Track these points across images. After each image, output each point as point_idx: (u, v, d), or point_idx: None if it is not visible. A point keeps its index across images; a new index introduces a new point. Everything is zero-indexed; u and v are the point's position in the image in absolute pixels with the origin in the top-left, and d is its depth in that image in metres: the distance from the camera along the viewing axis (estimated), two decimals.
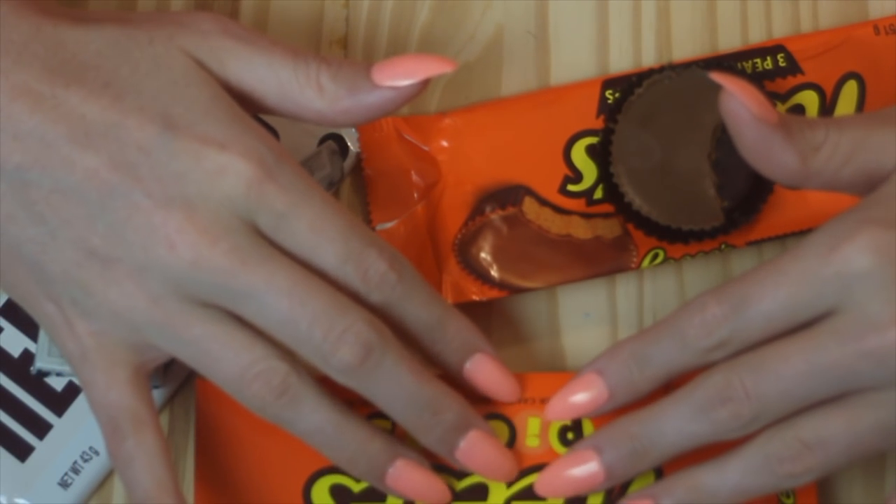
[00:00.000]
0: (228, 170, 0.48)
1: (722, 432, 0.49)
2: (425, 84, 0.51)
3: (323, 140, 0.58)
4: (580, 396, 0.52)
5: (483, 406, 0.55)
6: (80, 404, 0.56)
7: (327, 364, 0.49)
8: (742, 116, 0.49)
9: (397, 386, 0.50)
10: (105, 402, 0.50)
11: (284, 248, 0.49)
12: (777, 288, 0.48)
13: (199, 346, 0.49)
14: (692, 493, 0.50)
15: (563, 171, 0.58)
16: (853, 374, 0.48)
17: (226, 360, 0.49)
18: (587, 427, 0.54)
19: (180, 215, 0.48)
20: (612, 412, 0.52)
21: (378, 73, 0.51)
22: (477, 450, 0.52)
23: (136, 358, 0.50)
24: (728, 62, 0.57)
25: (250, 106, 0.51)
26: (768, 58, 0.58)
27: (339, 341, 0.49)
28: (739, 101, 0.49)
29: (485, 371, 0.53)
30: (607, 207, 0.57)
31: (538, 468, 0.54)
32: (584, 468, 0.51)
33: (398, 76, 0.51)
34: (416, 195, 0.58)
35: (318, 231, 0.49)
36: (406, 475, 0.52)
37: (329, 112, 0.51)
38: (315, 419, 0.50)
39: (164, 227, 0.48)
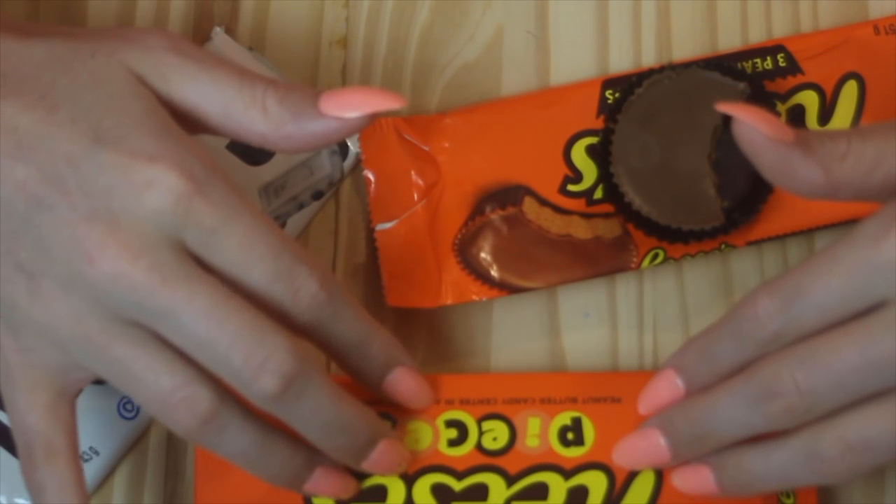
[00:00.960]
0: (156, 183, 0.47)
1: (775, 423, 0.50)
2: (372, 118, 0.50)
3: None
4: (662, 392, 0.53)
5: (484, 406, 0.55)
6: (80, 405, 0.56)
7: (247, 391, 0.48)
8: (757, 141, 0.49)
9: (316, 413, 0.50)
10: (22, 426, 0.49)
11: (213, 266, 0.48)
12: (830, 276, 0.48)
13: (120, 366, 0.48)
14: (741, 473, 0.51)
15: (563, 171, 0.58)
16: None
17: (147, 383, 0.48)
18: (587, 427, 0.54)
19: (103, 229, 0.47)
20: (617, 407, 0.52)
21: (325, 102, 0.50)
22: (381, 460, 0.52)
23: (61, 380, 0.49)
24: (728, 62, 0.57)
25: (193, 124, 0.51)
26: (768, 58, 0.58)
27: (259, 369, 0.48)
28: (751, 127, 0.48)
29: (402, 384, 0.53)
30: (607, 207, 0.57)
31: (538, 468, 0.54)
32: (652, 444, 0.52)
33: (345, 107, 0.50)
34: (416, 195, 0.58)
35: (248, 248, 0.48)
36: (323, 481, 0.52)
37: (272, 135, 0.50)
38: (239, 443, 0.49)
39: (86, 242, 0.47)
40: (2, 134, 0.48)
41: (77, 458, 0.50)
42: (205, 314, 0.47)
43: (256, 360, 0.48)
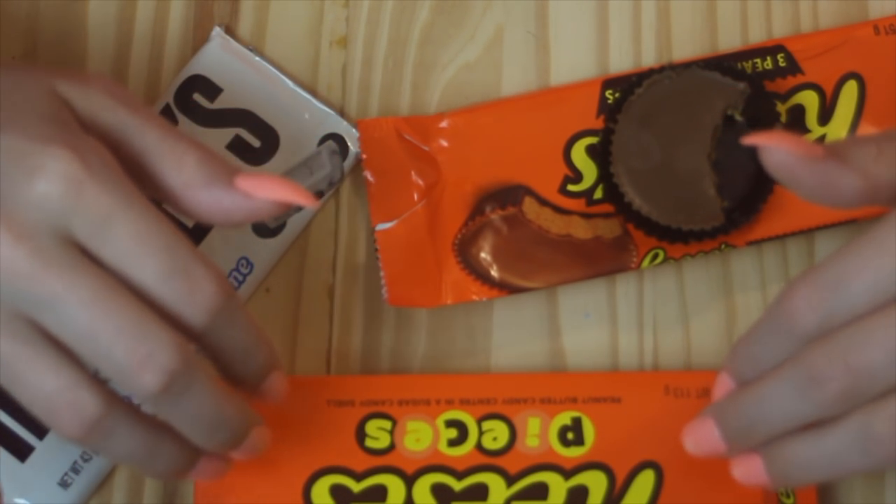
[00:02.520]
0: (48, 167, 0.46)
1: (828, 410, 0.48)
2: (283, 207, 0.50)
3: (323, 140, 0.59)
4: (717, 394, 0.52)
5: (484, 406, 0.55)
6: None
7: (129, 387, 0.47)
8: (791, 164, 0.48)
9: (198, 411, 0.48)
10: None
11: (101, 259, 0.47)
12: (879, 258, 0.47)
13: (4, 361, 0.46)
14: (790, 462, 0.50)
15: (563, 171, 0.58)
16: None
17: (31, 383, 0.46)
18: (587, 427, 0.54)
19: None
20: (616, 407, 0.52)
21: (241, 178, 0.49)
22: (252, 447, 0.50)
23: None
24: (728, 62, 0.57)
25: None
26: (768, 58, 0.58)
27: (142, 367, 0.46)
28: (782, 152, 0.48)
29: (278, 390, 0.51)
30: (607, 207, 0.57)
31: (538, 468, 0.54)
32: (709, 434, 0.51)
33: (257, 188, 0.49)
34: (416, 195, 0.58)
35: (141, 241, 0.46)
36: (206, 469, 0.50)
37: (180, 192, 0.49)
38: (126, 446, 0.48)
39: None
40: None
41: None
42: (87, 304, 0.45)
43: (140, 355, 0.46)
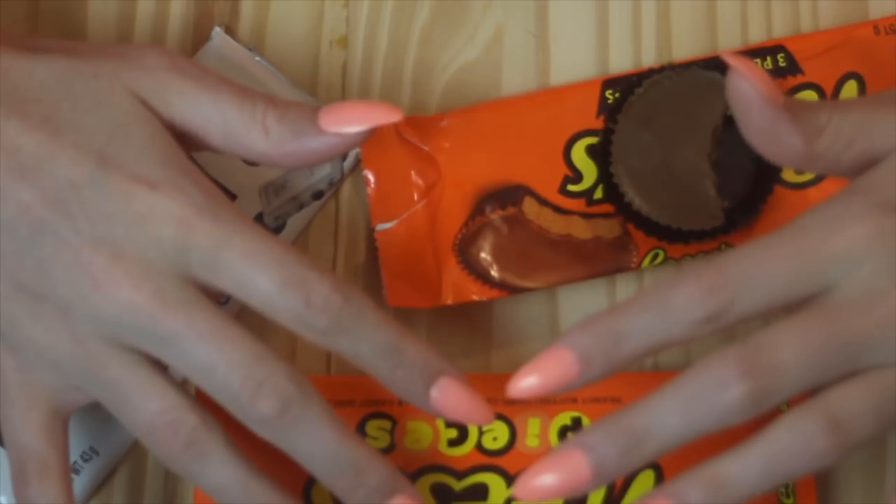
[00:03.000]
0: (157, 211, 0.48)
1: (730, 416, 0.46)
2: (372, 132, 0.51)
3: None
4: (552, 371, 0.48)
5: None
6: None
7: (245, 414, 0.48)
8: (751, 97, 0.48)
9: (317, 442, 0.49)
10: (16, 443, 0.50)
11: (222, 288, 0.48)
12: (776, 261, 0.47)
13: (113, 388, 0.49)
14: (714, 487, 0.47)
15: (563, 171, 0.58)
16: (870, 345, 0.47)
17: (136, 405, 0.49)
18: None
19: (107, 255, 0.48)
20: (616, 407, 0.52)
21: (325, 118, 0.51)
22: None
23: (56, 400, 0.50)
24: None
25: (195, 144, 0.51)
26: (768, 58, 0.58)
27: (256, 392, 0.48)
28: (749, 82, 0.48)
29: (454, 397, 0.50)
30: (607, 207, 0.57)
31: None
32: (567, 467, 0.47)
33: (344, 123, 0.50)
34: (416, 195, 0.58)
35: (253, 260, 0.48)
36: None
37: (273, 154, 0.51)
38: (221, 476, 0.49)
39: (90, 267, 0.48)
40: (4, 154, 0.48)
41: (68, 477, 0.50)
42: (205, 339, 0.48)
43: (254, 382, 0.48)
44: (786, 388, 0.47)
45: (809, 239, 0.47)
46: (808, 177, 0.57)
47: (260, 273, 0.48)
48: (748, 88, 0.48)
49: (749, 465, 0.47)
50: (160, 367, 0.49)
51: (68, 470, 0.50)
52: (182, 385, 0.50)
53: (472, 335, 0.58)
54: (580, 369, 0.47)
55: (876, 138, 0.49)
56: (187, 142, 0.51)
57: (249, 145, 0.51)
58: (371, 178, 0.58)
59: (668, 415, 0.47)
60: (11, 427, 0.50)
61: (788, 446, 0.47)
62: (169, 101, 0.50)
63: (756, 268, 0.47)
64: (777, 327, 0.47)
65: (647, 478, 0.54)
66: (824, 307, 0.47)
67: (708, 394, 0.46)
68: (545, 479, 0.48)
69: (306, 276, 0.48)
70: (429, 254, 0.57)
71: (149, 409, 0.49)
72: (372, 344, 0.49)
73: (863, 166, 0.49)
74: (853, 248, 0.47)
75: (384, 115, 0.51)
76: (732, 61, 0.48)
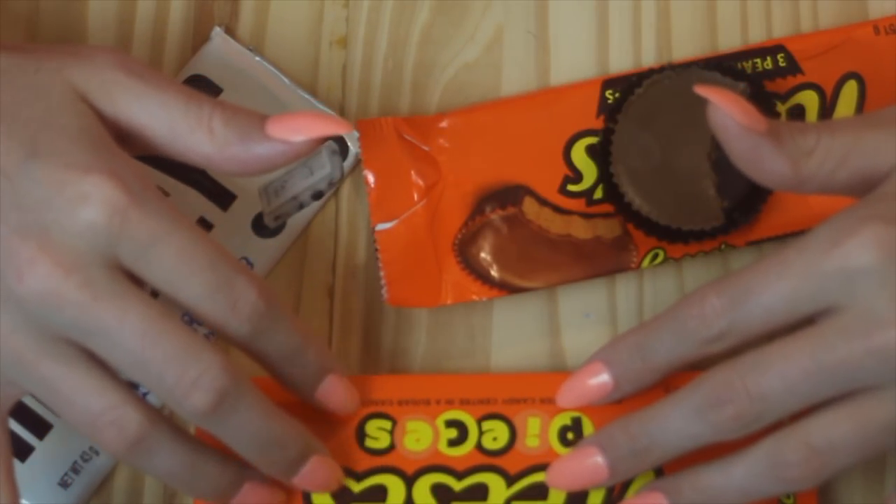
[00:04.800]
0: (91, 196, 0.47)
1: (723, 433, 0.49)
2: (319, 142, 0.51)
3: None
4: (587, 385, 0.52)
5: (484, 406, 0.55)
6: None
7: (180, 408, 0.48)
8: (729, 127, 0.49)
9: (247, 428, 0.49)
10: None
11: (149, 280, 0.48)
12: (779, 280, 0.48)
13: (49, 384, 0.48)
14: (698, 493, 0.51)
15: (563, 171, 0.58)
16: (859, 372, 0.48)
17: (76, 404, 0.48)
18: (587, 427, 0.54)
19: (34, 245, 0.47)
20: (617, 408, 0.52)
21: (272, 125, 0.50)
22: (313, 475, 0.52)
23: None
24: (728, 62, 0.57)
25: (139, 145, 0.50)
26: (768, 58, 0.58)
27: (192, 387, 0.48)
28: (724, 113, 0.49)
29: (335, 392, 0.53)
30: (607, 207, 0.57)
31: (538, 468, 0.54)
32: (588, 464, 0.51)
33: (291, 131, 0.50)
34: (416, 195, 0.58)
35: (186, 261, 0.48)
36: (250, 495, 0.51)
37: (217, 157, 0.50)
38: (169, 465, 0.49)
39: (16, 257, 0.47)
40: None
41: (12, 482, 0.50)
42: (137, 333, 0.47)
43: (189, 377, 0.48)
44: (773, 412, 0.49)
45: (810, 256, 0.48)
46: None
47: (192, 275, 0.48)
48: (725, 118, 0.49)
49: (731, 480, 0.50)
50: (98, 361, 0.48)
51: (9, 460, 0.50)
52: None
53: (472, 335, 0.58)
54: (614, 384, 0.52)
55: (871, 157, 0.49)
56: (131, 143, 0.50)
57: (194, 147, 0.50)
58: (371, 178, 0.58)
59: (670, 426, 0.50)
60: None
61: (766, 470, 0.49)
62: (114, 98, 0.49)
63: (758, 287, 0.49)
64: (770, 350, 0.48)
65: (647, 478, 0.54)
66: (821, 330, 0.48)
67: (701, 411, 0.49)
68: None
69: (236, 280, 0.48)
70: (429, 254, 0.57)
71: (90, 408, 0.48)
72: (281, 347, 0.50)
73: (861, 185, 0.49)
74: (852, 261, 0.47)
75: (332, 128, 0.50)
76: (706, 93, 0.49)
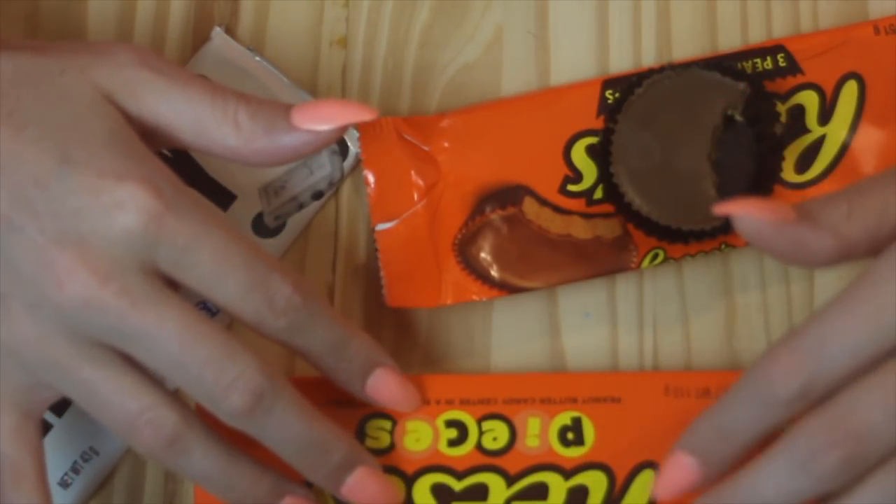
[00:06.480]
0: (126, 204, 0.47)
1: (826, 484, 0.47)
2: (344, 130, 0.51)
3: None
4: (676, 478, 0.50)
5: (484, 406, 0.55)
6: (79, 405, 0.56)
7: (218, 409, 0.49)
8: (763, 231, 0.48)
9: (287, 430, 0.50)
10: None
11: (186, 283, 0.48)
12: (851, 324, 0.47)
13: (87, 388, 0.49)
14: None
15: (563, 171, 0.58)
16: None
17: (114, 405, 0.49)
18: (587, 427, 0.54)
19: (72, 253, 0.47)
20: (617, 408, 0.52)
21: (297, 115, 0.51)
22: (362, 486, 0.52)
23: (27, 401, 0.50)
24: (728, 62, 0.57)
25: (165, 141, 0.51)
26: (768, 58, 0.58)
27: (229, 388, 0.48)
28: (753, 219, 0.48)
29: (386, 386, 0.53)
30: (607, 207, 0.57)
31: (538, 468, 0.54)
32: None
33: (317, 120, 0.50)
34: (416, 195, 0.58)
35: (221, 261, 0.48)
36: None
37: (244, 150, 0.51)
38: (204, 466, 0.50)
39: (55, 265, 0.47)
40: None
41: (44, 481, 0.50)
42: (176, 338, 0.48)
43: (227, 378, 0.48)
44: (879, 448, 0.47)
45: (881, 294, 0.47)
46: (807, 177, 0.57)
47: (228, 274, 0.48)
48: (756, 224, 0.48)
49: None
50: (133, 363, 0.49)
51: (44, 473, 0.50)
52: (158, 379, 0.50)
53: (472, 335, 0.58)
54: (703, 471, 0.49)
55: None
56: (156, 139, 0.50)
57: (220, 140, 0.50)
58: (371, 178, 0.58)
59: (769, 488, 0.48)
60: None
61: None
62: (138, 97, 0.50)
63: (833, 335, 0.47)
64: (861, 386, 0.47)
65: (647, 478, 0.54)
66: None
67: (801, 465, 0.47)
68: None
69: (271, 277, 0.49)
70: (429, 254, 0.57)
71: (127, 409, 0.49)
72: (323, 340, 0.51)
73: None
74: None
75: (357, 114, 0.51)
76: (726, 210, 0.48)
